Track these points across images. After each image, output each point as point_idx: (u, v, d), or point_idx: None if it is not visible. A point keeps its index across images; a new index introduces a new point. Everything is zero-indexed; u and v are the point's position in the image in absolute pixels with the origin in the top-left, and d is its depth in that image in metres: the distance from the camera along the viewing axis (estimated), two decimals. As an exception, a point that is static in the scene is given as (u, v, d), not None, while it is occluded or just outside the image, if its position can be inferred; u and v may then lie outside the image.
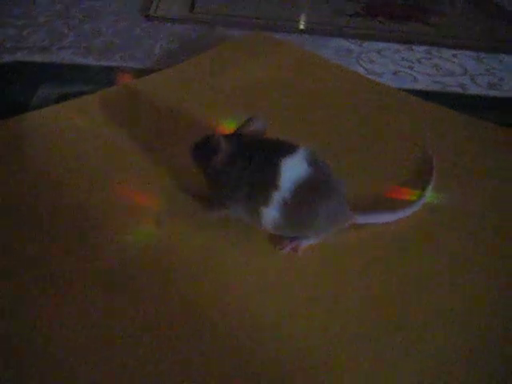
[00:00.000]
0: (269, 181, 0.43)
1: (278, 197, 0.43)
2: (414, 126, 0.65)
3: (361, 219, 0.47)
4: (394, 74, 0.85)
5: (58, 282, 0.41)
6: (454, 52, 0.97)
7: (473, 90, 0.83)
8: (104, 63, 0.81)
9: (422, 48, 0.98)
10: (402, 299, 0.42)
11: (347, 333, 0.39)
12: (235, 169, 0.45)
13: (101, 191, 0.50)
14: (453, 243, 0.47)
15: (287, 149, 0.44)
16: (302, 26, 1.02)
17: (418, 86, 0.82)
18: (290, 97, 0.70)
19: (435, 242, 0.47)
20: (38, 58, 0.81)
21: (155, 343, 0.36)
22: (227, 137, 0.46)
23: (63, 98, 0.68)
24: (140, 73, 0.76)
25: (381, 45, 0.97)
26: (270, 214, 0.43)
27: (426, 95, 0.76)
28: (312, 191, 0.43)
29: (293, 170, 0.43)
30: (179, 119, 0.63)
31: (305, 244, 0.46)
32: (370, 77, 0.80)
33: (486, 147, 0.62)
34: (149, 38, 0.92)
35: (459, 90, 0.82)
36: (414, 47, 0.98)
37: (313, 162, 0.44)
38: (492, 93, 0.82)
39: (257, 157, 0.44)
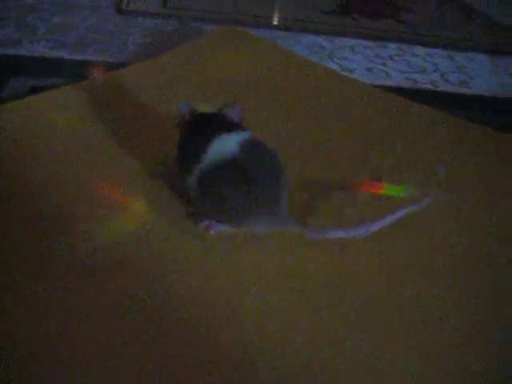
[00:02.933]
0: (197, 152, 0.45)
1: (197, 170, 0.45)
2: (390, 123, 0.66)
3: (311, 234, 0.46)
4: (367, 70, 0.86)
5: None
6: (426, 50, 0.98)
7: (443, 87, 0.84)
8: (77, 57, 0.80)
9: (395, 45, 0.99)
10: (398, 298, 0.42)
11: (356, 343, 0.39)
12: (184, 136, 0.49)
13: (75, 185, 0.50)
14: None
15: (230, 129, 0.46)
16: (276, 22, 1.02)
17: (391, 83, 0.82)
18: (262, 91, 0.70)
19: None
20: (8, 51, 0.79)
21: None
22: (196, 111, 0.49)
23: (35, 91, 0.67)
24: (113, 67, 0.76)
25: (354, 41, 0.98)
26: (191, 183, 0.45)
27: (398, 91, 0.76)
28: (228, 175, 0.44)
29: (220, 149, 0.44)
30: (149, 112, 0.63)
31: (219, 228, 0.46)
32: (343, 73, 0.81)
33: (459, 144, 0.63)
34: (122, 32, 0.91)
35: (430, 87, 0.83)
36: (387, 44, 0.99)
37: (249, 149, 0.45)
38: (462, 90, 0.84)
39: (201, 129, 0.47)
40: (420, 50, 0.98)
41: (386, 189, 0.53)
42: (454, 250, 0.47)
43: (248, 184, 0.43)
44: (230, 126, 0.47)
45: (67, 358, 0.35)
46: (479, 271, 0.45)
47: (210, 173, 0.44)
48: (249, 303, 0.40)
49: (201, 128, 0.47)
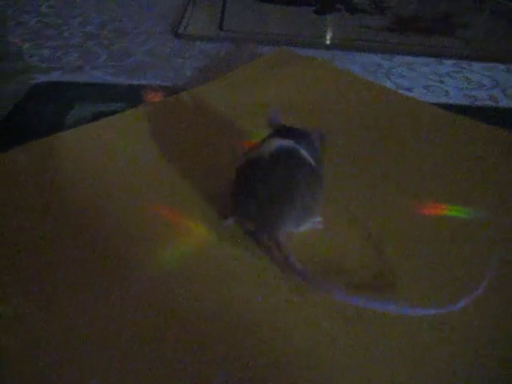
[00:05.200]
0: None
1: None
2: (449, 142, 0.65)
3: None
4: (425, 88, 0.85)
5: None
6: (484, 64, 0.97)
7: (504, 103, 0.82)
8: (135, 82, 0.82)
9: (451, 61, 0.97)
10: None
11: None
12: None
13: (133, 208, 0.51)
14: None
15: (291, 138, 0.49)
16: (329, 42, 1.02)
17: (449, 100, 0.81)
18: (321, 112, 0.70)
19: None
20: (71, 77, 0.82)
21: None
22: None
23: (97, 116, 0.69)
24: (170, 91, 0.77)
25: (410, 59, 0.97)
26: None
27: (458, 109, 0.75)
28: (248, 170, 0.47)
29: (269, 145, 0.47)
30: (210, 135, 0.64)
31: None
32: (400, 91, 0.80)
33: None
34: (178, 56, 0.93)
35: (491, 103, 0.81)
36: (443, 61, 0.97)
37: (281, 156, 0.46)
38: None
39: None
40: (477, 66, 0.96)
41: (450, 210, 0.52)
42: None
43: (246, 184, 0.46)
44: (294, 136, 0.49)
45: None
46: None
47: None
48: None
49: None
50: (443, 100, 0.81)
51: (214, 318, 0.40)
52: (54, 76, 0.82)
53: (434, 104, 0.76)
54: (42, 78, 0.81)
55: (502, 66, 0.97)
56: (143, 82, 0.82)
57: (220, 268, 0.44)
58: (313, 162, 0.48)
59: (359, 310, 0.41)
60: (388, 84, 0.85)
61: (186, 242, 0.47)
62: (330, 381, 0.36)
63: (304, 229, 0.47)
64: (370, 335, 0.39)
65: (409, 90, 0.84)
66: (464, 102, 0.82)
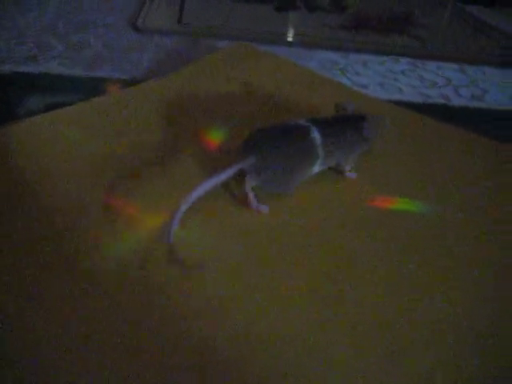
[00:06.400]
0: None
1: None
2: (400, 137, 0.66)
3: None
4: (380, 85, 0.87)
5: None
6: (438, 64, 0.99)
7: (456, 101, 0.84)
8: (92, 74, 0.82)
9: (407, 60, 0.99)
10: (388, 309, 0.42)
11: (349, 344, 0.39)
12: None
13: (92, 203, 0.50)
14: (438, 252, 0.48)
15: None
16: (288, 38, 1.03)
17: (403, 98, 0.83)
18: (274, 106, 0.70)
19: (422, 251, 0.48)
20: (25, 68, 0.81)
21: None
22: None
23: (51, 108, 0.68)
24: (128, 84, 0.77)
25: (366, 57, 0.98)
26: None
27: (411, 106, 0.77)
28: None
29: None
30: (168, 129, 0.63)
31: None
32: (355, 88, 0.82)
33: (472, 159, 0.63)
34: (136, 49, 0.92)
35: (443, 101, 0.83)
36: (399, 59, 0.99)
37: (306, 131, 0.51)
38: (475, 104, 0.84)
39: None
40: (432, 65, 0.98)
41: (398, 203, 0.53)
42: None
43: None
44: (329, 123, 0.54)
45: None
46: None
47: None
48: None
49: None
50: (397, 97, 0.83)
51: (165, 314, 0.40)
52: (8, 67, 0.81)
53: (387, 101, 0.77)
54: (-5, 69, 0.80)
55: (455, 66, 0.99)
56: (99, 74, 0.82)
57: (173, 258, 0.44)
58: (319, 148, 0.52)
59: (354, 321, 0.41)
60: (344, 81, 0.86)
61: (137, 233, 0.47)
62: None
63: (264, 188, 0.52)
64: (362, 339, 0.39)
65: (364, 87, 0.85)
66: (417, 99, 0.83)
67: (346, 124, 0.55)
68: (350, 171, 0.57)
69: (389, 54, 1.00)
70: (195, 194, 0.46)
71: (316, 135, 0.51)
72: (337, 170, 0.57)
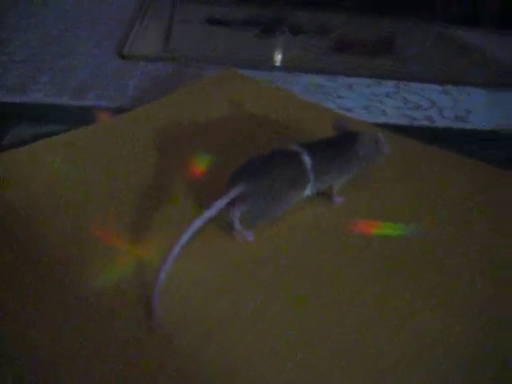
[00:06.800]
0: None
1: None
2: (386, 160, 0.66)
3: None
4: (364, 108, 0.87)
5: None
6: (422, 85, 1.00)
7: (440, 122, 0.85)
8: (78, 103, 0.82)
9: (391, 82, 1.00)
10: (376, 332, 0.42)
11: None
12: None
13: (82, 233, 0.50)
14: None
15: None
16: (273, 63, 1.04)
17: (388, 120, 0.84)
18: (259, 132, 0.71)
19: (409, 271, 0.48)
20: (11, 98, 0.81)
21: None
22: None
23: (38, 137, 0.68)
24: (114, 112, 0.77)
25: (351, 80, 0.99)
26: None
27: (396, 128, 0.77)
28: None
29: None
30: (155, 156, 0.64)
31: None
32: (341, 112, 0.82)
33: (457, 179, 0.63)
34: (123, 76, 0.93)
35: (427, 123, 0.84)
36: (383, 81, 1.00)
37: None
38: (458, 125, 0.85)
39: None
40: (416, 86, 0.99)
41: (383, 227, 0.53)
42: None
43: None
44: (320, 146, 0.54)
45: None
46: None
47: None
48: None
49: None
50: (382, 120, 0.83)
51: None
52: (-6, 96, 0.81)
53: (372, 124, 0.78)
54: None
55: (439, 87, 1.00)
56: (86, 102, 0.82)
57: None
58: (310, 173, 0.52)
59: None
60: (329, 104, 0.87)
61: (121, 264, 0.47)
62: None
63: (249, 219, 0.51)
64: (350, 360, 0.39)
65: (349, 110, 0.86)
66: (402, 121, 0.84)
67: (339, 145, 0.55)
68: (336, 194, 0.57)
69: (373, 77, 1.01)
70: (186, 237, 0.45)
71: (306, 159, 0.51)
72: (325, 193, 0.57)
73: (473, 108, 0.92)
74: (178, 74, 0.96)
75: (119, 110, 0.77)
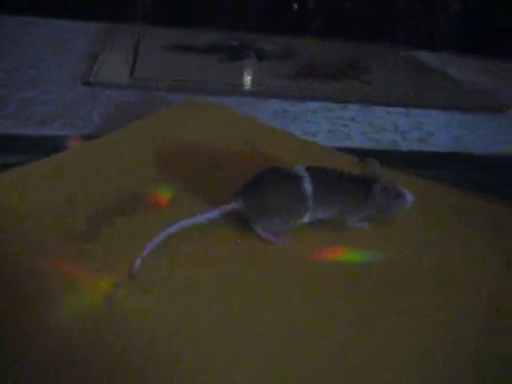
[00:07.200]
0: None
1: None
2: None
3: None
4: (329, 132, 0.89)
5: None
6: (386, 109, 1.02)
7: (403, 146, 0.86)
8: (44, 132, 0.81)
9: (356, 106, 1.02)
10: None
11: None
12: None
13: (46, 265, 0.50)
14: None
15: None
16: (239, 89, 1.05)
17: (353, 144, 0.85)
18: (226, 159, 0.71)
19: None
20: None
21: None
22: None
23: (4, 168, 0.67)
24: (78, 140, 0.77)
25: (316, 104, 1.01)
26: None
27: (361, 153, 0.78)
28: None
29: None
30: (119, 184, 0.63)
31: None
32: (305, 137, 0.83)
33: (423, 204, 0.64)
34: (88, 104, 0.93)
35: (391, 147, 0.86)
36: (348, 105, 1.02)
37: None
38: (422, 147, 0.86)
39: None
40: (379, 110, 1.01)
41: (345, 253, 0.53)
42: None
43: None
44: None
45: None
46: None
47: None
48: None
49: None
50: (347, 144, 0.85)
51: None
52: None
53: (337, 148, 0.79)
54: None
55: (402, 110, 1.02)
56: (51, 132, 0.82)
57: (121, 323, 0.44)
58: (309, 200, 0.52)
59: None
60: (293, 129, 0.87)
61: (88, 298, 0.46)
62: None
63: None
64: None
65: (314, 135, 0.87)
66: (367, 145, 0.85)
67: (349, 183, 0.55)
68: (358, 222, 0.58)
69: (338, 101, 1.03)
70: (175, 228, 0.50)
71: (308, 186, 0.52)
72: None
73: (435, 130, 0.94)
74: (143, 101, 0.96)
75: (85, 138, 0.77)
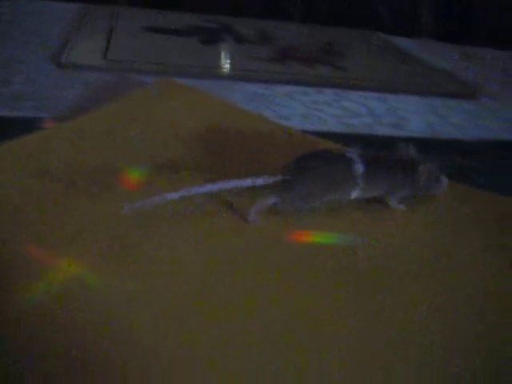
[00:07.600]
0: None
1: None
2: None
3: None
4: (303, 116, 0.88)
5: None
6: (360, 93, 1.02)
7: (378, 130, 0.87)
8: (14, 114, 0.80)
9: (330, 90, 1.02)
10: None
11: None
12: None
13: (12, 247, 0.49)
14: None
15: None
16: (214, 71, 1.04)
17: (326, 128, 0.85)
18: (197, 143, 0.71)
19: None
20: None
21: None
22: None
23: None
24: (50, 122, 0.76)
25: (291, 88, 1.00)
26: None
27: (333, 136, 0.78)
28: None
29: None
30: (90, 167, 0.63)
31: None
32: (279, 120, 0.83)
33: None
34: (60, 86, 0.91)
35: (365, 131, 0.86)
36: (323, 90, 1.02)
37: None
38: (396, 132, 0.87)
39: None
40: (354, 95, 1.01)
41: (316, 236, 0.54)
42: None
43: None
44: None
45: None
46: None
47: None
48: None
49: None
50: (321, 128, 0.84)
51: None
52: None
53: (311, 132, 0.79)
54: None
55: (377, 95, 1.02)
56: (21, 113, 0.80)
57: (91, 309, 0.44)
58: (359, 178, 0.54)
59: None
60: (267, 113, 0.87)
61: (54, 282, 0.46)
62: None
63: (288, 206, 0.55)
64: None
65: (287, 118, 0.87)
66: (341, 129, 0.85)
67: (397, 164, 0.57)
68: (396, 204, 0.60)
69: (313, 85, 1.03)
70: (218, 186, 0.52)
71: (359, 165, 0.54)
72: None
73: (409, 115, 0.94)
74: (117, 84, 0.95)
75: (56, 121, 0.76)
